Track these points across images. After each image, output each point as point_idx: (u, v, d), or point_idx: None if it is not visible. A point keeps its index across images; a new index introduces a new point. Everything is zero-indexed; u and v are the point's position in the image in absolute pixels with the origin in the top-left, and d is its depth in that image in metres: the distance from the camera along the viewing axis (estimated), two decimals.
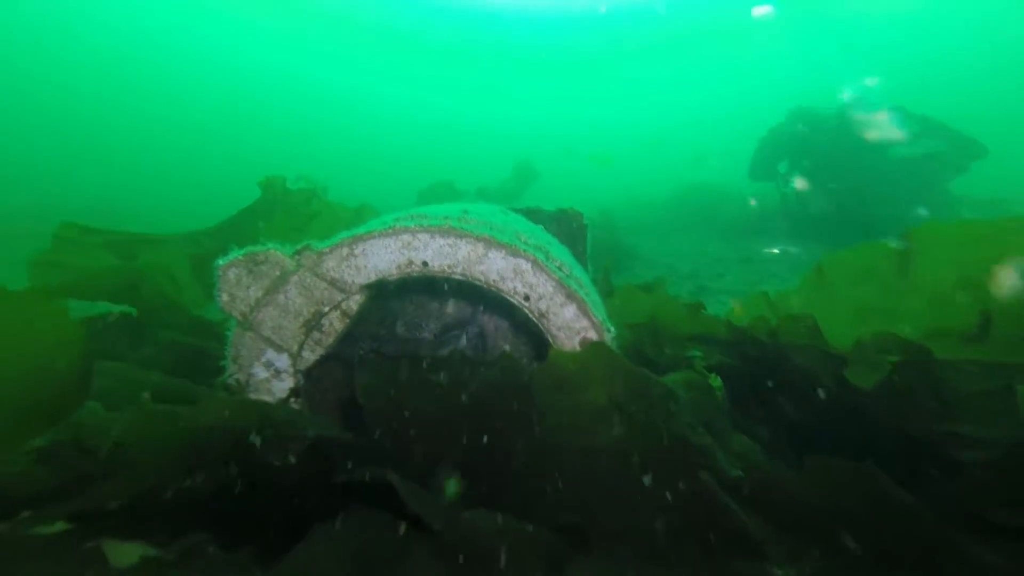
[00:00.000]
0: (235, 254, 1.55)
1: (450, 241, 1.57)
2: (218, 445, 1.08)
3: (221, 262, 1.54)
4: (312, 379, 1.99)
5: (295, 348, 1.65)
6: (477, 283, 1.61)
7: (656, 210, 14.14)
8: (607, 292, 2.80)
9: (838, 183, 8.48)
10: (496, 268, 1.60)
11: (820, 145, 8.81)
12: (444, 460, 1.09)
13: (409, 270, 1.60)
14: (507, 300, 1.65)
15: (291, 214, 3.37)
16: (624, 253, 9.51)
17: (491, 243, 1.56)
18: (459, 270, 1.60)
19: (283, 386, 1.72)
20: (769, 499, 1.06)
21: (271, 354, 1.66)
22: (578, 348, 1.69)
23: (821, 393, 1.66)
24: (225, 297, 1.57)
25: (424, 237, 1.56)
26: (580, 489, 1.00)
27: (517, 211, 2.45)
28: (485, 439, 1.08)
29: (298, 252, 1.58)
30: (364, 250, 1.58)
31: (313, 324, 1.64)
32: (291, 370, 1.69)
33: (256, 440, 1.07)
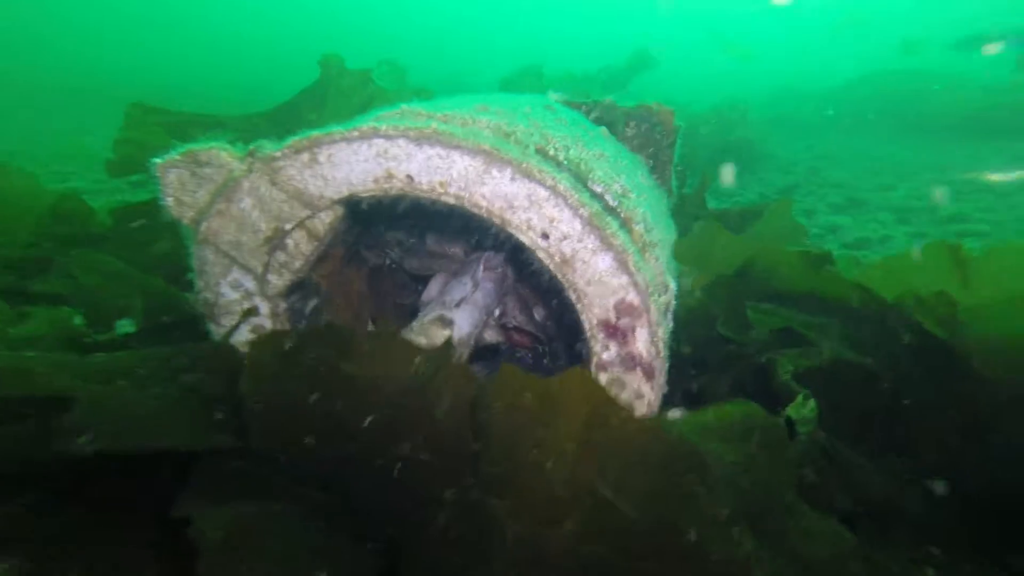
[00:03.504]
0: (174, 152, 1.22)
1: (439, 151, 1.11)
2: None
3: (158, 160, 1.23)
4: (322, 294, 1.72)
5: (259, 269, 1.35)
6: (476, 211, 1.16)
7: (821, 102, 11.93)
8: (696, 217, 2.20)
9: None
10: (503, 193, 1.13)
11: None
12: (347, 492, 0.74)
13: (389, 185, 1.18)
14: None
15: (345, 98, 3.00)
16: (753, 154, 8.19)
17: (493, 157, 1.09)
18: (454, 190, 1.15)
19: (258, 310, 1.45)
20: None
21: (237, 273, 1.38)
22: (612, 314, 1.22)
23: None
24: (171, 201, 1.27)
25: (404, 144, 1.12)
26: None
27: (579, 106, 1.88)
28: (398, 472, 0.72)
29: (250, 153, 1.21)
30: (331, 156, 1.18)
31: (276, 243, 1.31)
32: (260, 293, 1.40)
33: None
